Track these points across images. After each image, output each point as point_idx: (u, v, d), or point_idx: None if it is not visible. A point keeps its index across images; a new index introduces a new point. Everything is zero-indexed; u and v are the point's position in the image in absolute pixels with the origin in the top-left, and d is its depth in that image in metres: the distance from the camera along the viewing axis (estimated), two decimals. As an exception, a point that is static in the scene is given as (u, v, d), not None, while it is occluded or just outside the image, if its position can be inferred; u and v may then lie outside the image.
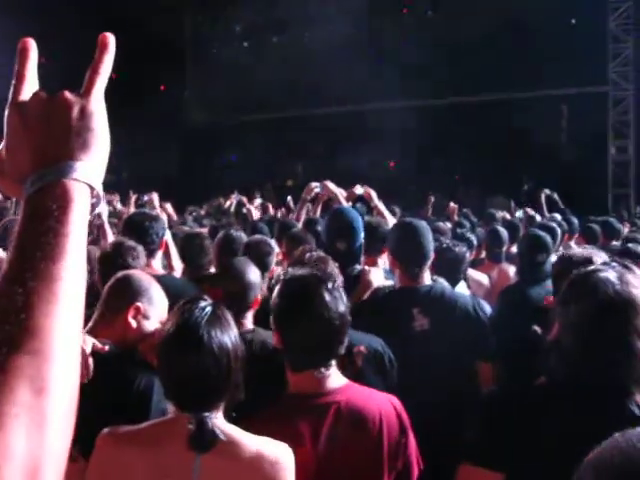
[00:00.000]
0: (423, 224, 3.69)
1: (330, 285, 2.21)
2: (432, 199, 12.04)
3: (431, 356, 3.10)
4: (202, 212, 9.87)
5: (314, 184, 5.24)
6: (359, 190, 5.28)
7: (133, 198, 9.21)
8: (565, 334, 1.87)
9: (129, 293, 2.59)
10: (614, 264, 1.97)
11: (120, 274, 2.74)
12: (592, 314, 1.82)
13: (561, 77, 16.66)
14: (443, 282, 3.91)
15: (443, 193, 15.18)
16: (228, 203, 8.60)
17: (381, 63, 18.83)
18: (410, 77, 17.69)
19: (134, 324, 2.54)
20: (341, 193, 5.11)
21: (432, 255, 3.56)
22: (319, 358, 2.18)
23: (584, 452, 1.03)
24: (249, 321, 3.05)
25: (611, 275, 1.85)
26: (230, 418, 2.03)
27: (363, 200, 5.46)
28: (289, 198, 10.31)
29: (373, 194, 5.15)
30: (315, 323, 2.15)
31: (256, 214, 7.63)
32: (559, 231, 5.84)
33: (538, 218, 8.13)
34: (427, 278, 3.54)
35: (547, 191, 9.74)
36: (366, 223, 4.36)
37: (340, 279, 2.85)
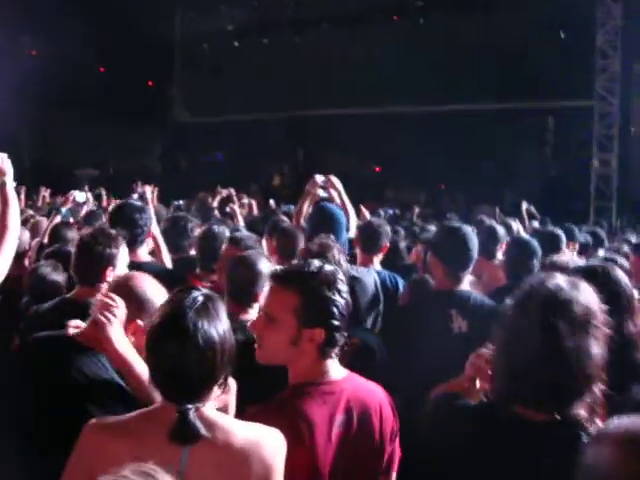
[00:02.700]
0: (470, 230, 3.75)
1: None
2: (417, 209, 12.12)
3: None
4: (183, 207, 9.79)
5: (319, 177, 5.14)
6: (322, 192, 5.16)
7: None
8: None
9: (131, 308, 2.47)
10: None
11: (122, 279, 2.61)
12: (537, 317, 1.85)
13: (548, 90, 16.80)
14: None
15: (428, 200, 15.25)
16: (216, 200, 8.51)
17: (372, 70, 18.84)
18: (400, 83, 17.74)
19: (131, 339, 2.45)
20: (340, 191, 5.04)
21: (474, 259, 3.65)
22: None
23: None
24: (254, 313, 3.01)
25: (561, 281, 1.91)
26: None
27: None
28: (272, 201, 10.29)
29: (337, 184, 5.05)
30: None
31: (241, 213, 7.54)
32: (564, 238, 5.78)
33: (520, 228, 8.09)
34: (467, 283, 3.61)
35: (525, 204, 9.82)
36: (367, 223, 4.39)
37: (346, 266, 2.88)
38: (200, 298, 1.97)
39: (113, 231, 3.29)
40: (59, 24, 15.34)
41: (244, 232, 4.49)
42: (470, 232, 3.67)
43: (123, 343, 2.38)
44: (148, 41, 19.37)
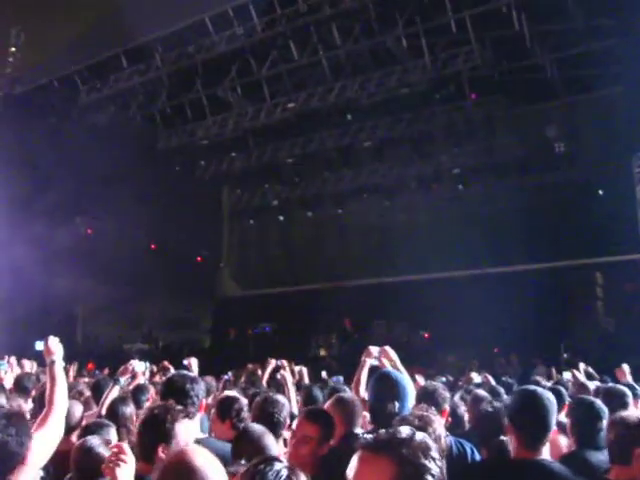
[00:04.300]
0: (547, 394, 3.53)
1: None
2: (473, 371, 11.84)
3: None
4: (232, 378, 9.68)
5: (373, 348, 5.12)
6: (375, 361, 5.11)
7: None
8: None
9: None
10: None
11: (175, 459, 2.42)
12: None
13: (592, 247, 16.80)
14: None
15: (481, 363, 14.90)
16: (267, 371, 8.40)
17: (414, 237, 19.18)
18: (443, 249, 17.94)
19: None
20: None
21: (554, 427, 3.41)
22: None
23: None
24: None
25: None
26: None
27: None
28: (324, 373, 10.14)
29: (392, 354, 5.00)
30: None
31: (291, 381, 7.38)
32: (630, 395, 5.52)
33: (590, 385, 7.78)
34: (546, 452, 3.35)
35: (582, 365, 9.52)
36: (422, 387, 4.25)
37: (449, 439, 2.70)
38: (284, 471, 1.88)
39: (177, 407, 3.22)
40: (112, 205, 16.15)
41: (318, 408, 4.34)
42: (546, 397, 3.45)
43: None
44: (197, 218, 20.18)
